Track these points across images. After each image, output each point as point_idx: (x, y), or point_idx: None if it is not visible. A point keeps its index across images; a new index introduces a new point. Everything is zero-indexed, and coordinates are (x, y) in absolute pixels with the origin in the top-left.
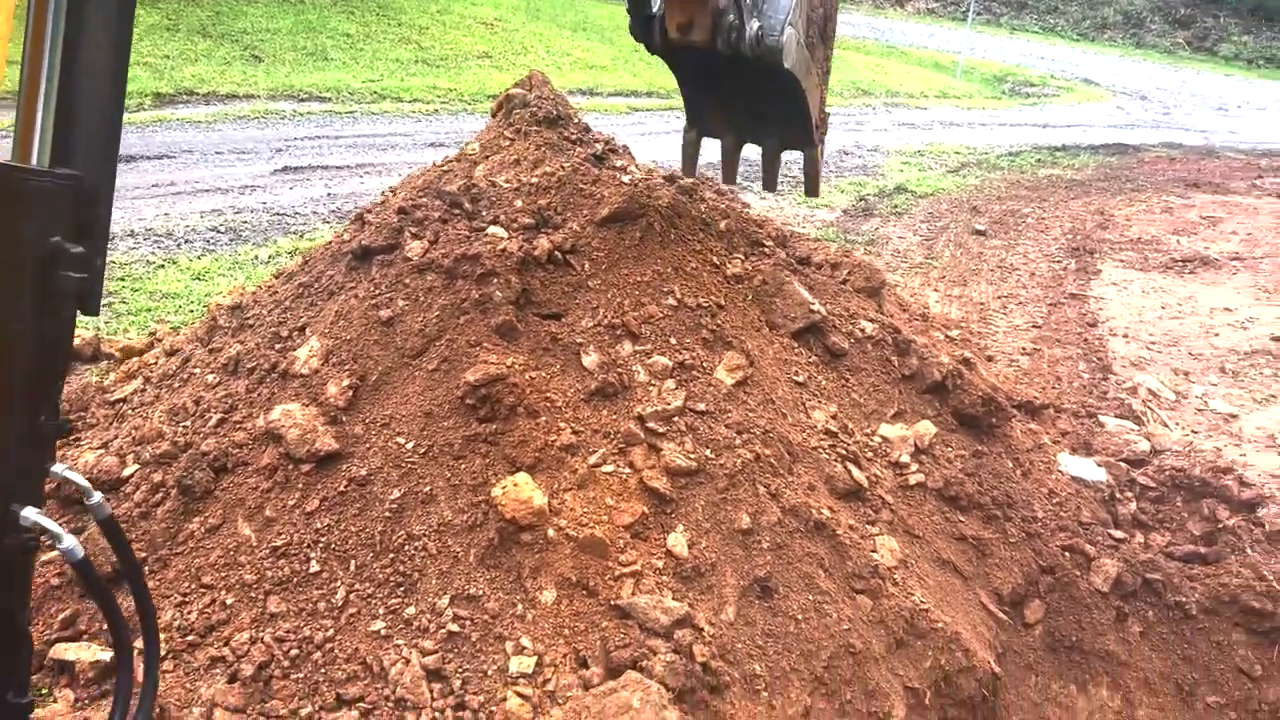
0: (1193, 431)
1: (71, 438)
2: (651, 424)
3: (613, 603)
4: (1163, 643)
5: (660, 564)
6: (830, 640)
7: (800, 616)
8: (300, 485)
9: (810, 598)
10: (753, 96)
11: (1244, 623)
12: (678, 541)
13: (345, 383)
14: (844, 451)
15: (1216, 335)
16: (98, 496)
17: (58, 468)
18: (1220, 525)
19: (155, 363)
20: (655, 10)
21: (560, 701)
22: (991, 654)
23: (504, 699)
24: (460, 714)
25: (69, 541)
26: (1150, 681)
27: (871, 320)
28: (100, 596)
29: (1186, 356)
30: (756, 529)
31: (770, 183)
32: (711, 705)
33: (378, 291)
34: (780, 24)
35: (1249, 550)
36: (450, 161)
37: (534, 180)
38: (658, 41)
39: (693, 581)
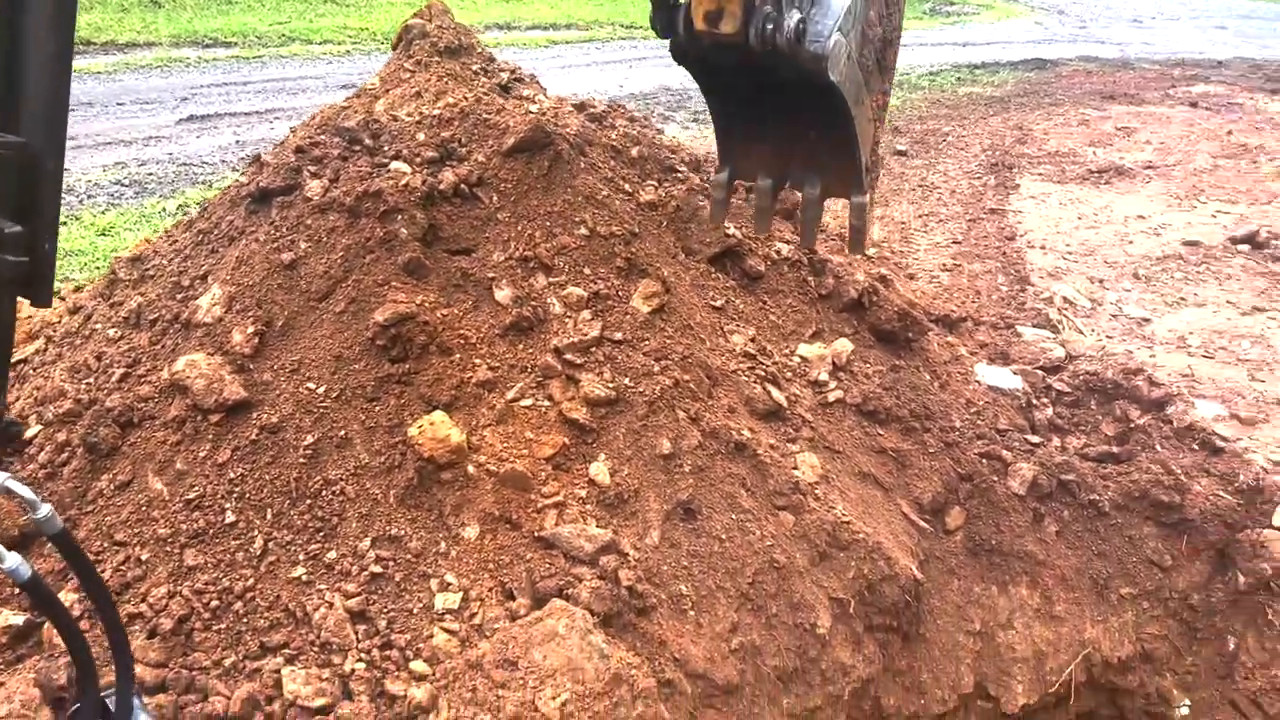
0: (1106, 336)
1: None
2: (569, 356)
3: (536, 534)
4: (1078, 540)
5: (583, 493)
6: (754, 557)
7: (724, 536)
8: (210, 436)
9: (733, 517)
10: (793, 124)
11: (1154, 516)
12: (600, 470)
13: (250, 330)
14: (763, 373)
15: (1130, 243)
16: (45, 510)
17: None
18: (1131, 425)
19: (57, 321)
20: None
21: (487, 634)
22: (914, 561)
23: (430, 635)
24: (387, 653)
25: (11, 561)
26: (1067, 578)
27: (788, 242)
28: (53, 614)
29: (1102, 265)
30: (678, 453)
31: (809, 237)
32: (639, 628)
33: (278, 235)
34: (828, 28)
35: (1158, 447)
36: (350, 99)
37: (436, 112)
38: (683, 34)
39: (616, 508)
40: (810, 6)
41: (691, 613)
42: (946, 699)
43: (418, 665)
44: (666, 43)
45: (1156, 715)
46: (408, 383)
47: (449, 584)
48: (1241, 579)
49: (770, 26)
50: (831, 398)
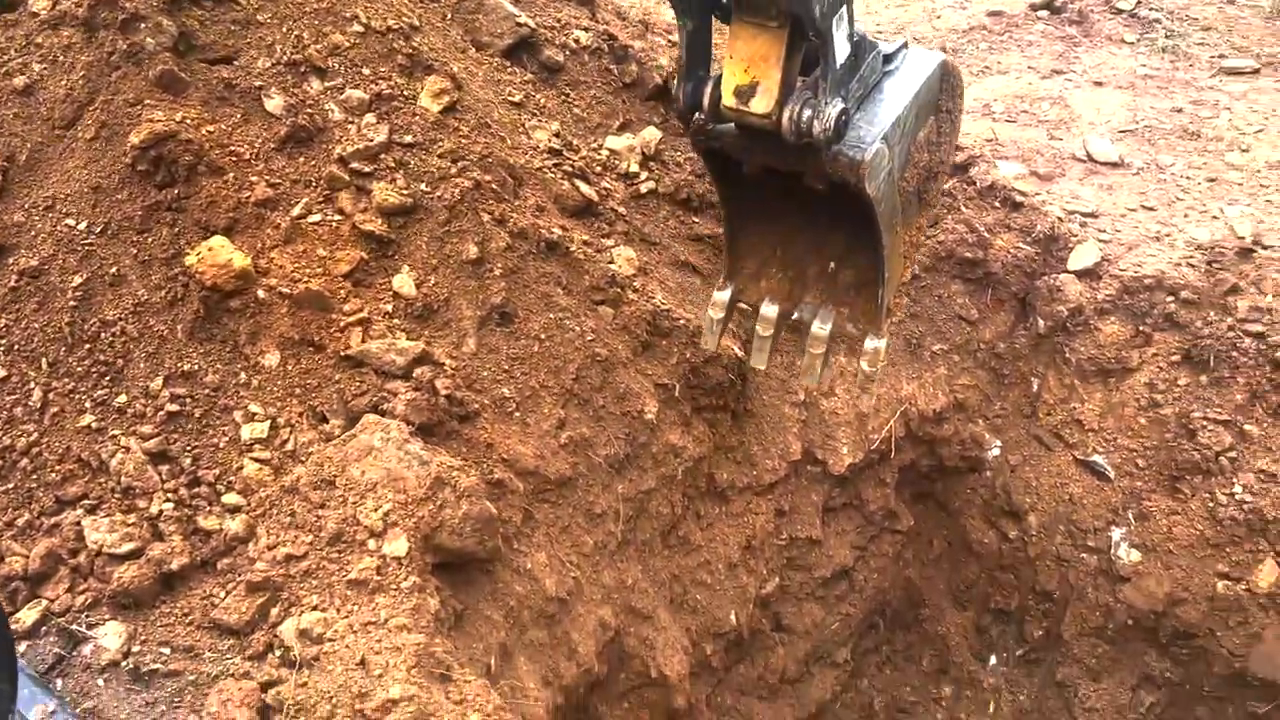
0: None
1: None
2: (355, 165)
3: (343, 354)
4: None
5: (389, 307)
6: (576, 354)
7: (543, 336)
8: None
9: (551, 316)
10: (814, 246)
11: (960, 274)
12: (404, 282)
13: None
14: (570, 169)
15: (939, 17)
16: None
17: None
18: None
19: None
20: (713, 75)
21: (302, 459)
22: (736, 342)
23: (240, 467)
24: (196, 490)
25: None
26: None
27: (586, 30)
28: None
29: (912, 40)
30: (486, 258)
31: (811, 377)
32: (463, 434)
33: (6, 58)
34: (872, 134)
35: (963, 208)
36: None
37: None
38: (708, 110)
39: (426, 320)
40: (856, 108)
41: (517, 414)
42: (777, 468)
43: (230, 498)
44: None
45: (970, 459)
46: (179, 209)
47: (254, 414)
48: (1041, 323)
49: (808, 113)
50: (644, 189)
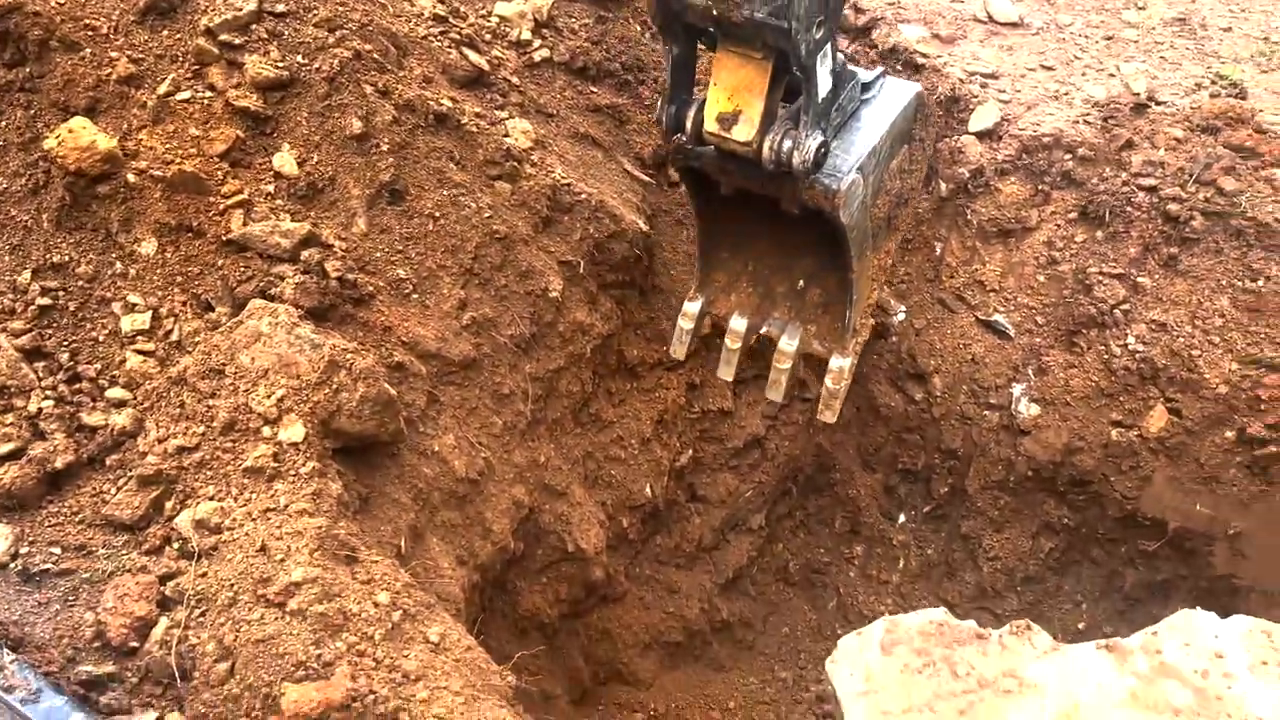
0: None
1: None
2: (224, 36)
3: (225, 239)
4: None
5: (270, 188)
6: (474, 231)
7: (438, 214)
8: None
9: (445, 193)
10: (785, 266)
11: None
12: (285, 161)
13: None
14: (458, 36)
15: None
16: None
17: None
18: (841, 51)
19: None
20: (696, 97)
21: (188, 349)
22: (640, 216)
23: (124, 360)
24: (77, 386)
25: None
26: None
27: None
28: None
29: None
30: (372, 132)
31: (778, 391)
32: (359, 317)
33: None
34: (848, 164)
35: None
36: None
37: None
38: (689, 133)
39: (312, 199)
40: (834, 136)
41: (415, 295)
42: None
43: (115, 392)
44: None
45: (877, 325)
46: (33, 89)
47: (134, 305)
48: (943, 186)
49: (789, 144)
50: (538, 58)
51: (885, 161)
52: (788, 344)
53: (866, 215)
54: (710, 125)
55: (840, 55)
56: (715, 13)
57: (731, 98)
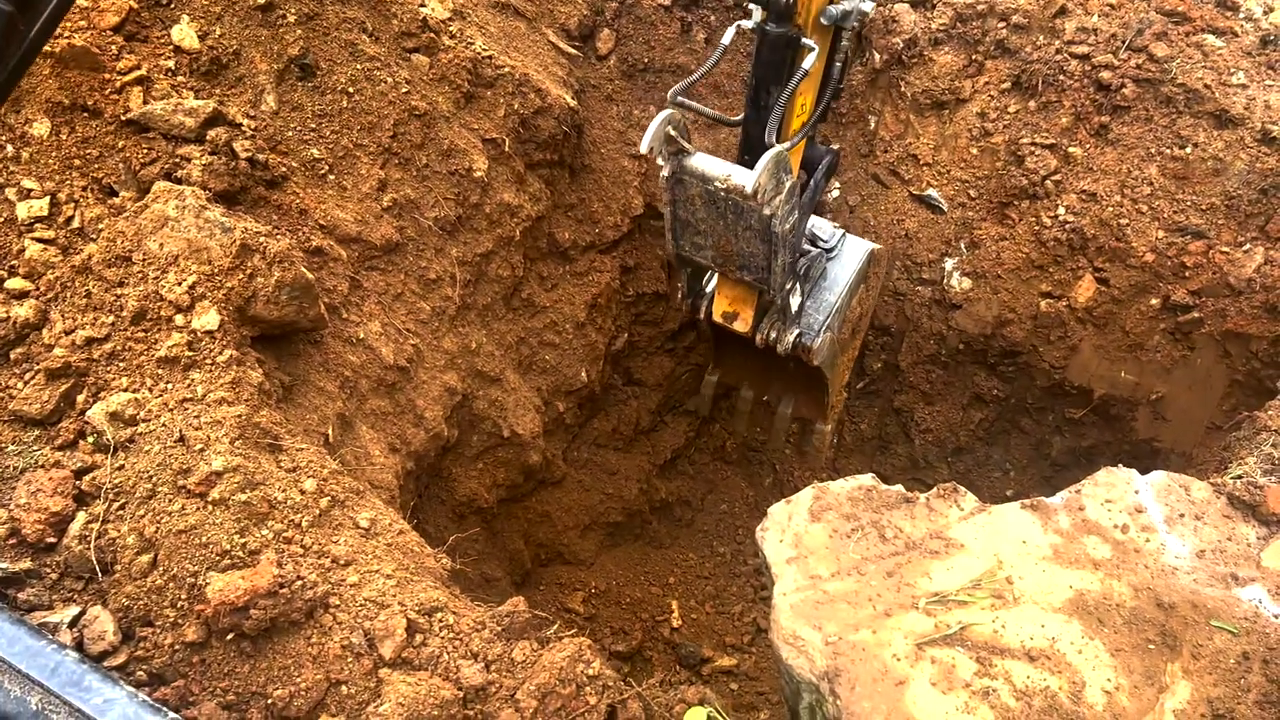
0: None
1: None
2: None
3: (124, 118)
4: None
5: (170, 64)
6: (391, 108)
7: (352, 90)
8: None
9: (359, 67)
10: (779, 368)
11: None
12: (184, 34)
13: None
14: None
15: None
16: None
17: None
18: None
19: None
20: (708, 287)
21: (91, 236)
22: (568, 91)
23: (22, 250)
24: None
25: None
26: (719, 85)
27: None
28: None
29: None
30: (277, 3)
31: (775, 440)
32: (272, 200)
33: None
34: (819, 326)
35: None
36: None
37: None
38: (703, 317)
39: (216, 76)
40: (806, 296)
41: (331, 176)
42: (620, 224)
43: (15, 283)
44: None
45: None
46: None
47: (29, 190)
48: (877, 57)
49: (775, 334)
50: None
51: (849, 303)
52: (784, 410)
53: (835, 347)
54: (717, 316)
55: (809, 225)
56: (717, 268)
57: (731, 304)
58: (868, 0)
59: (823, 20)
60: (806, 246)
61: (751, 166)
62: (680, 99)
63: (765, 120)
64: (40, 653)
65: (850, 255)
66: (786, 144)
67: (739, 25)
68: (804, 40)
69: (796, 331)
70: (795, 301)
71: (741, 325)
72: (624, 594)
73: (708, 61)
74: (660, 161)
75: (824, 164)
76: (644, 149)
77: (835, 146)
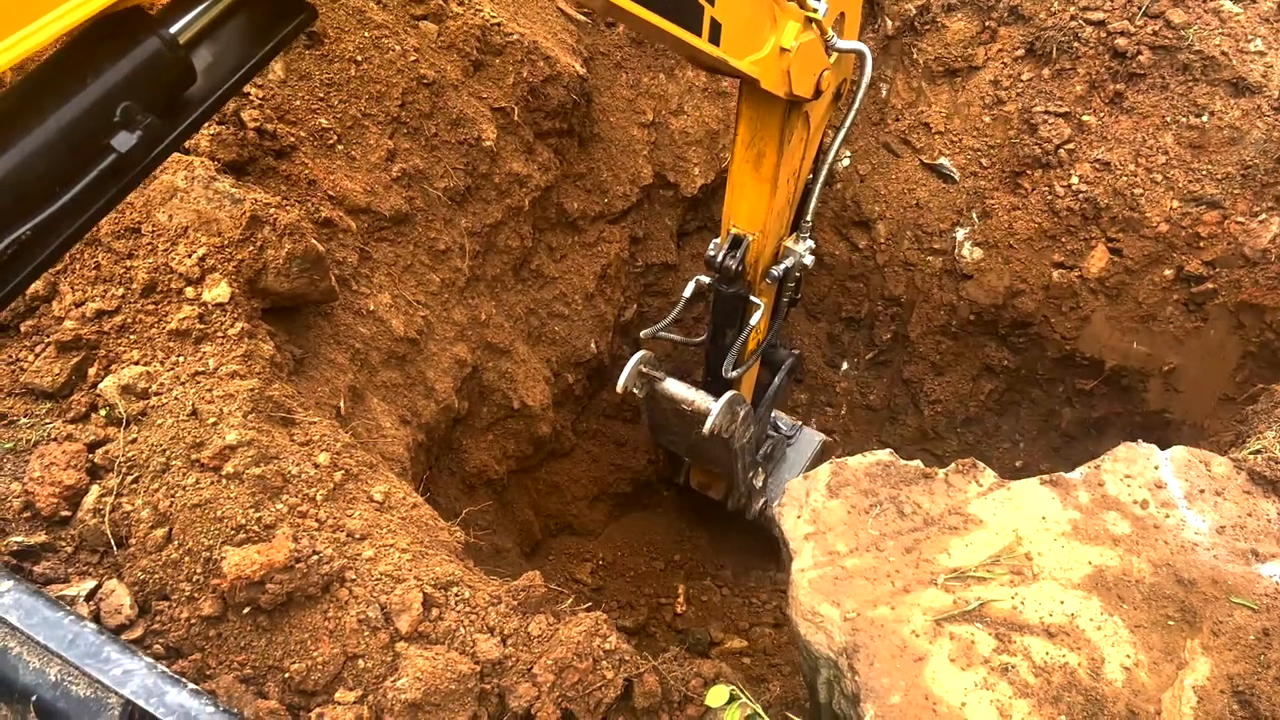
0: None
1: None
2: None
3: None
4: None
5: None
6: (399, 77)
7: (360, 58)
8: None
9: (366, 35)
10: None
11: None
12: None
13: None
14: None
15: None
16: None
17: None
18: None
19: None
20: (686, 461)
21: None
22: (577, 59)
23: None
24: None
25: None
26: None
27: None
28: None
29: None
30: None
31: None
32: (281, 170)
33: None
34: (775, 495)
35: None
36: None
37: None
38: (681, 481)
39: None
40: (770, 476)
41: (340, 146)
42: (629, 194)
43: None
44: None
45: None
46: None
47: None
48: (889, 24)
49: (744, 503)
50: None
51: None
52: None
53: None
54: (694, 485)
55: (774, 416)
56: (691, 459)
57: (705, 476)
58: (808, 254)
59: (767, 281)
60: (771, 433)
61: (713, 389)
62: (652, 338)
63: (724, 353)
64: (59, 624)
65: (805, 443)
66: (741, 374)
67: (698, 280)
68: (751, 298)
69: (763, 501)
70: (759, 482)
71: (715, 494)
72: (630, 565)
73: (673, 311)
74: (635, 392)
75: (785, 366)
76: (620, 388)
77: (796, 351)
